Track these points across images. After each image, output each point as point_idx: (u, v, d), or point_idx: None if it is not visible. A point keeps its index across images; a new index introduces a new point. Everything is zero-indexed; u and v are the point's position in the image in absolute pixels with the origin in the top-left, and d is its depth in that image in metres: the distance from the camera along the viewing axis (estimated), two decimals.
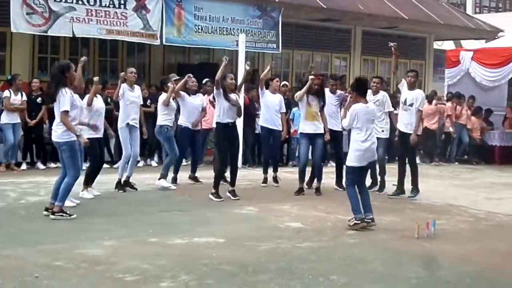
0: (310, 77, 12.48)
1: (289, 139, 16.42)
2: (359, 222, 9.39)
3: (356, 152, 9.56)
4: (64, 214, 9.55)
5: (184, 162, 13.74)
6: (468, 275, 7.28)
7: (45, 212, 9.71)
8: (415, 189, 12.44)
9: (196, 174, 13.52)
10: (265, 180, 13.53)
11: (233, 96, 11.76)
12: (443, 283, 7.01)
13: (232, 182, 11.89)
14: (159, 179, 12.68)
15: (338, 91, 13.42)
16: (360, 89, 9.79)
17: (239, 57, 16.38)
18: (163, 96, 12.85)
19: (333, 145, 13.49)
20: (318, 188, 12.65)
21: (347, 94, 13.76)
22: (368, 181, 12.08)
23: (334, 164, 14.06)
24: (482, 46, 22.80)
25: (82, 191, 11.22)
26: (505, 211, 11.45)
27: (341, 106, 13.51)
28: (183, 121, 13.22)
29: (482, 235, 9.55)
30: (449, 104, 19.71)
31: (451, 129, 19.53)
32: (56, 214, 9.54)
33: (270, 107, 13.60)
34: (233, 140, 11.94)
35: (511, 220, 10.83)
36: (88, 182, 11.37)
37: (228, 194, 11.71)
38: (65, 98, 9.38)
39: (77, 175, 9.75)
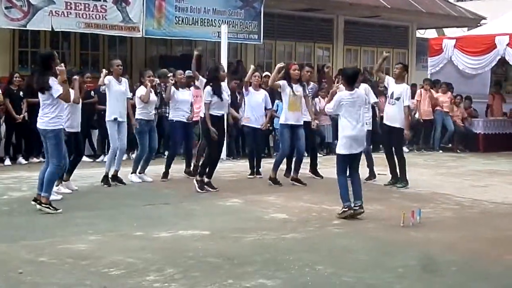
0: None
1: (273, 130, 16.39)
2: (346, 209, 9.39)
3: (344, 139, 9.51)
4: (50, 207, 9.51)
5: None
6: (454, 263, 7.28)
7: (32, 202, 9.69)
8: (404, 180, 12.43)
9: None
10: (252, 173, 13.49)
11: (224, 92, 11.72)
12: (429, 271, 7.01)
13: (210, 174, 11.78)
14: (131, 173, 12.55)
15: (312, 83, 13.36)
16: (348, 78, 9.73)
17: (222, 48, 16.29)
18: (140, 90, 12.56)
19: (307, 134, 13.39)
20: (298, 179, 12.59)
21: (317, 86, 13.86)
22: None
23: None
24: (464, 34, 22.82)
25: (57, 185, 10.92)
26: (490, 198, 11.49)
27: (314, 98, 13.58)
28: (174, 115, 13.03)
29: (468, 223, 9.57)
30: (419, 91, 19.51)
31: (416, 116, 19.16)
32: (43, 204, 9.51)
33: (255, 108, 13.51)
34: (221, 133, 11.87)
35: (496, 207, 10.85)
36: (62, 176, 11.20)
37: (205, 187, 11.63)
38: (54, 85, 9.38)
39: (60, 164, 9.71)
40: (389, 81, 12.59)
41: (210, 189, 11.61)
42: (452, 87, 20.02)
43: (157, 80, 13.19)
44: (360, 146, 9.61)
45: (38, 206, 9.53)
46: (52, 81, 9.41)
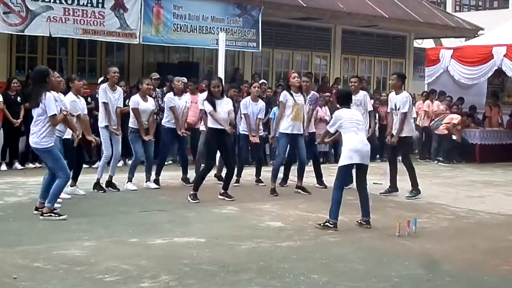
0: None
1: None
2: (331, 225, 9.29)
3: (347, 152, 9.40)
4: (53, 215, 9.48)
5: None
6: (449, 273, 7.28)
7: (35, 212, 9.70)
8: (415, 189, 12.44)
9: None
10: (237, 181, 13.36)
11: (222, 110, 11.52)
12: (424, 281, 7.00)
13: (226, 185, 11.70)
14: (126, 182, 12.48)
15: (312, 92, 13.36)
16: (344, 101, 9.93)
17: (219, 55, 16.26)
18: (134, 98, 12.52)
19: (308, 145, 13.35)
20: (302, 187, 12.58)
21: (318, 95, 13.86)
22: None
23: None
24: (462, 44, 22.84)
25: None
26: (486, 209, 11.50)
27: (315, 107, 13.60)
28: (167, 121, 13.03)
29: (463, 233, 9.56)
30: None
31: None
32: (45, 214, 9.48)
33: (250, 118, 13.50)
34: (225, 144, 11.70)
35: (491, 218, 10.86)
36: None
37: (221, 197, 11.57)
38: (50, 103, 9.29)
39: (67, 176, 9.72)
40: (390, 96, 12.72)
41: (227, 199, 11.49)
42: (463, 100, 20.17)
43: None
44: (364, 158, 9.51)
45: (40, 217, 9.46)
46: (48, 97, 9.29)
